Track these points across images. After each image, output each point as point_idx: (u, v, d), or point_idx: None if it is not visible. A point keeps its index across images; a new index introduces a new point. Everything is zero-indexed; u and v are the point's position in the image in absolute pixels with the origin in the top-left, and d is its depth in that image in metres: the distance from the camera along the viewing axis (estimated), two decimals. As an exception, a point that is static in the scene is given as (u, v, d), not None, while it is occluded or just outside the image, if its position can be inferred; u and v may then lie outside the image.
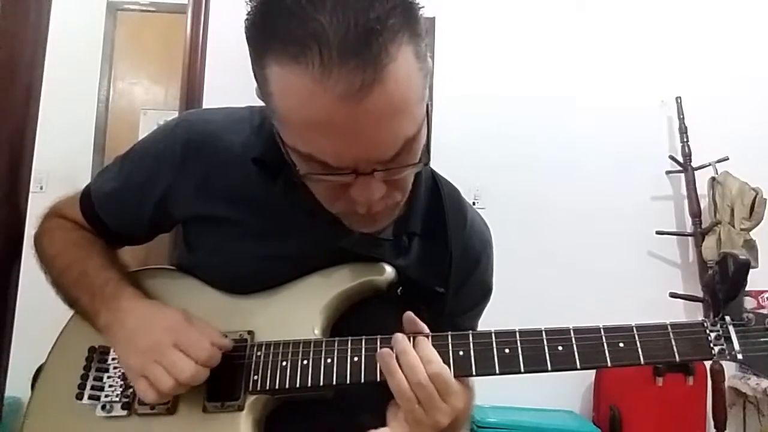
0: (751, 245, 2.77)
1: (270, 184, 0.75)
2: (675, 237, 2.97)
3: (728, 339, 0.66)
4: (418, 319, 0.69)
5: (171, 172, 0.78)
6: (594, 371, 2.80)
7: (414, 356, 0.65)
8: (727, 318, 0.67)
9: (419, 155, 0.64)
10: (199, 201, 0.78)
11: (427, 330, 0.69)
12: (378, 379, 0.67)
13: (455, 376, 0.66)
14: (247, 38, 0.60)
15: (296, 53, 0.54)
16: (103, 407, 0.73)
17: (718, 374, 2.61)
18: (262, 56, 0.58)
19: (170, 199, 0.79)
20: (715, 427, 2.60)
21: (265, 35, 0.57)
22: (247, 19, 0.59)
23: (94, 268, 0.78)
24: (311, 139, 0.59)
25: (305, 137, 0.59)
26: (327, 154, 0.59)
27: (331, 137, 0.58)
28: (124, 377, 0.74)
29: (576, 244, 2.90)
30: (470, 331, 0.68)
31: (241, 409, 0.70)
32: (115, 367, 0.76)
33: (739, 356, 0.65)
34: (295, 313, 0.74)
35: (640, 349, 0.66)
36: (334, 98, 0.54)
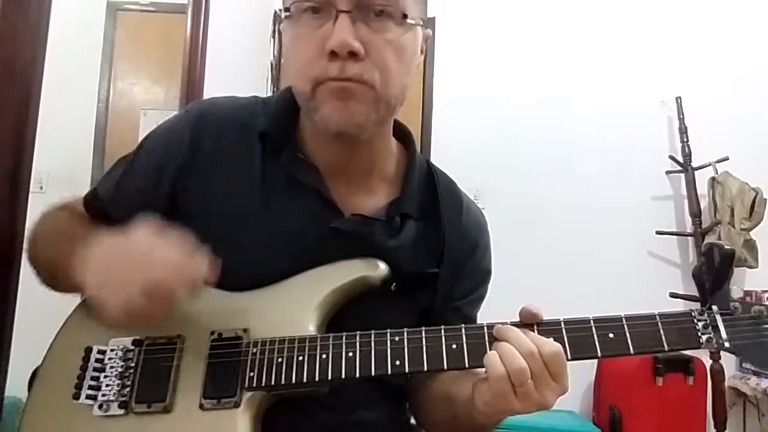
0: (751, 245, 2.77)
1: (273, 159, 0.79)
2: (675, 237, 2.97)
3: (716, 328, 0.67)
4: (536, 311, 0.68)
5: (181, 154, 0.80)
6: (594, 370, 2.80)
7: (517, 331, 0.65)
8: (714, 307, 0.68)
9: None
10: (205, 177, 0.80)
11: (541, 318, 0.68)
12: (372, 374, 0.68)
13: (448, 369, 0.67)
14: None
15: None
16: (101, 406, 0.73)
17: (718, 374, 2.61)
18: None
19: (179, 179, 0.80)
20: (715, 427, 2.60)
21: None
22: None
23: (74, 229, 0.78)
24: None
25: None
26: None
27: None
28: (120, 376, 0.74)
29: (576, 244, 2.90)
30: (462, 325, 0.69)
31: (237, 405, 0.70)
32: (111, 367, 0.76)
33: (727, 344, 0.67)
34: (291, 311, 0.75)
35: (629, 339, 0.66)
36: None
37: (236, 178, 0.79)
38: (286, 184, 0.79)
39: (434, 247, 0.82)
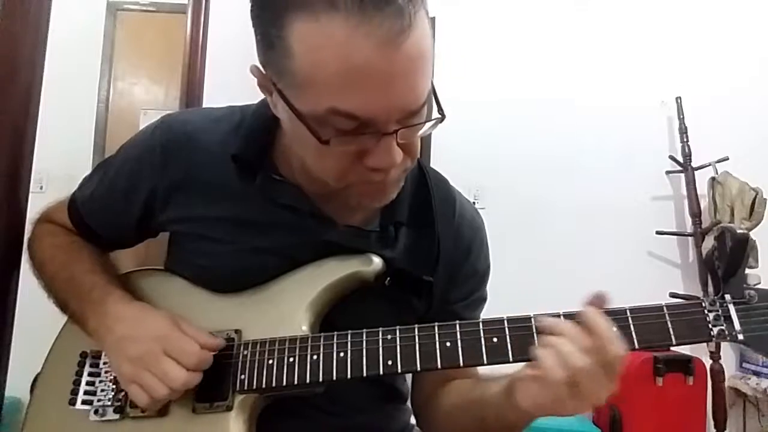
0: (751, 245, 2.76)
1: (250, 181, 0.76)
2: (675, 237, 2.97)
3: (728, 318, 0.62)
4: (605, 296, 0.64)
5: (152, 175, 0.78)
6: (594, 371, 2.80)
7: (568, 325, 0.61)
8: (727, 296, 0.63)
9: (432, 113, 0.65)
10: (181, 202, 0.78)
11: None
12: (364, 374, 0.66)
13: (442, 368, 0.65)
14: (257, 4, 0.60)
15: (331, 1, 0.54)
16: (96, 411, 0.73)
17: (718, 374, 2.60)
18: (282, 16, 0.57)
19: (154, 202, 0.79)
20: (715, 427, 2.60)
21: None
22: None
23: (81, 272, 0.78)
24: (341, 90, 0.57)
25: (334, 89, 0.57)
26: (358, 104, 0.58)
27: (366, 85, 0.57)
28: (115, 381, 0.74)
29: (576, 244, 2.89)
30: (457, 321, 0.67)
31: (229, 409, 0.69)
32: (106, 371, 0.76)
33: (740, 336, 0.61)
34: (282, 310, 0.74)
35: (634, 333, 0.62)
36: (374, 43, 0.55)
37: (213, 200, 0.77)
38: (269, 203, 0.76)
39: (429, 253, 0.80)
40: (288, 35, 0.57)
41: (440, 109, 0.66)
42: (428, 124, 0.64)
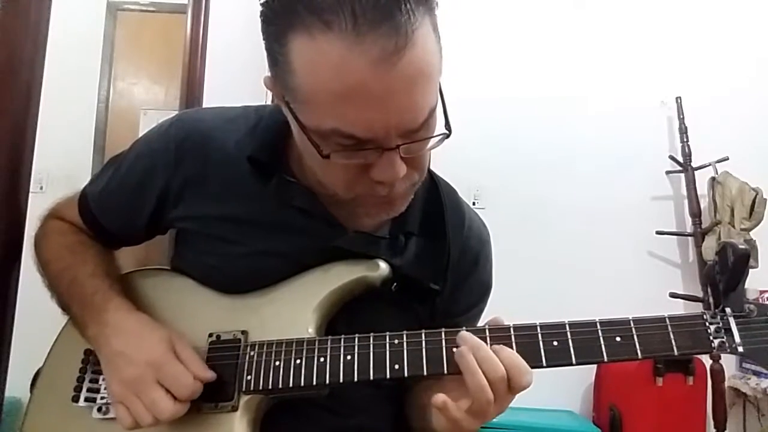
0: (751, 245, 2.76)
1: (264, 183, 0.75)
2: (675, 237, 2.97)
3: (728, 331, 0.64)
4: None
5: (166, 172, 0.78)
6: (594, 371, 2.80)
7: (489, 351, 0.63)
8: (728, 309, 0.66)
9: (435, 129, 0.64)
10: (193, 200, 0.78)
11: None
12: (371, 378, 0.67)
13: (449, 373, 0.66)
14: (264, 20, 0.60)
15: (327, 20, 0.54)
16: (99, 409, 0.73)
17: (718, 374, 2.60)
18: (283, 34, 0.58)
19: (166, 200, 0.79)
20: (715, 427, 2.60)
21: (288, 10, 0.57)
22: (264, 2, 0.60)
23: (84, 275, 0.78)
24: (340, 110, 0.58)
25: (334, 109, 0.58)
26: (357, 124, 0.58)
27: (364, 104, 0.57)
28: None
29: (576, 244, 2.89)
30: (464, 329, 0.67)
31: (235, 409, 0.69)
32: None
33: (740, 348, 0.64)
34: (289, 313, 0.74)
35: (637, 344, 0.64)
36: (368, 62, 0.54)
37: (226, 200, 0.77)
38: (282, 205, 0.76)
39: (437, 264, 0.80)
40: (289, 52, 0.58)
41: (447, 124, 0.65)
42: (434, 140, 0.64)
